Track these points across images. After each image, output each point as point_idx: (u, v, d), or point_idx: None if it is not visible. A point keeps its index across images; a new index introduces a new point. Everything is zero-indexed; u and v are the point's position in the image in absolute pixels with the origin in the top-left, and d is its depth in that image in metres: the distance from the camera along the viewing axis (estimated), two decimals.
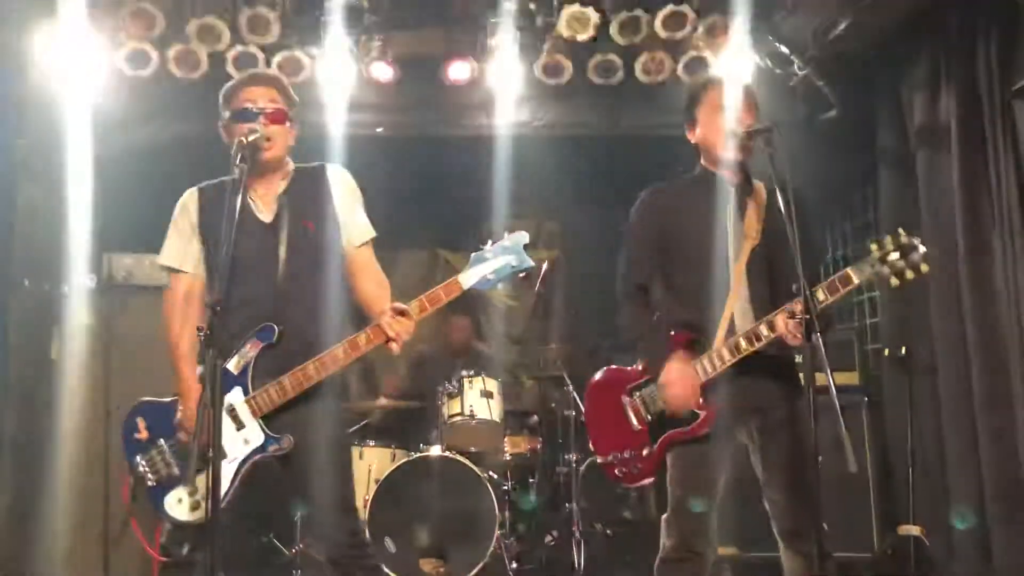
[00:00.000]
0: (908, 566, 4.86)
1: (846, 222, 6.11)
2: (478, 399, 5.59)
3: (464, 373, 5.68)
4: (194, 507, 2.96)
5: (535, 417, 6.37)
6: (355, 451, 5.32)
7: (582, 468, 5.77)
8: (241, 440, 3.01)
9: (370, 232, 3.29)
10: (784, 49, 5.08)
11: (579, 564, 5.38)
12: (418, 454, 5.26)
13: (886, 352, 5.23)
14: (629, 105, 5.72)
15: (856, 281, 2.84)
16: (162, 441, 3.10)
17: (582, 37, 5.09)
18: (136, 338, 5.16)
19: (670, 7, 4.96)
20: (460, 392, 5.60)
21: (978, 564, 4.55)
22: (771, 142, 2.89)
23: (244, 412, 3.03)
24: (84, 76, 5.07)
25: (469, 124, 5.89)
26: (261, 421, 3.03)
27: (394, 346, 2.96)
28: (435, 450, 5.29)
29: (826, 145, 5.48)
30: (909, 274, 2.82)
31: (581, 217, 7.35)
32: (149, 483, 3.07)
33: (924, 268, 2.81)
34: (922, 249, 2.81)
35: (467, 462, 5.20)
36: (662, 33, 5.05)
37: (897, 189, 5.30)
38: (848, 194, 6.01)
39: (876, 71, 5.34)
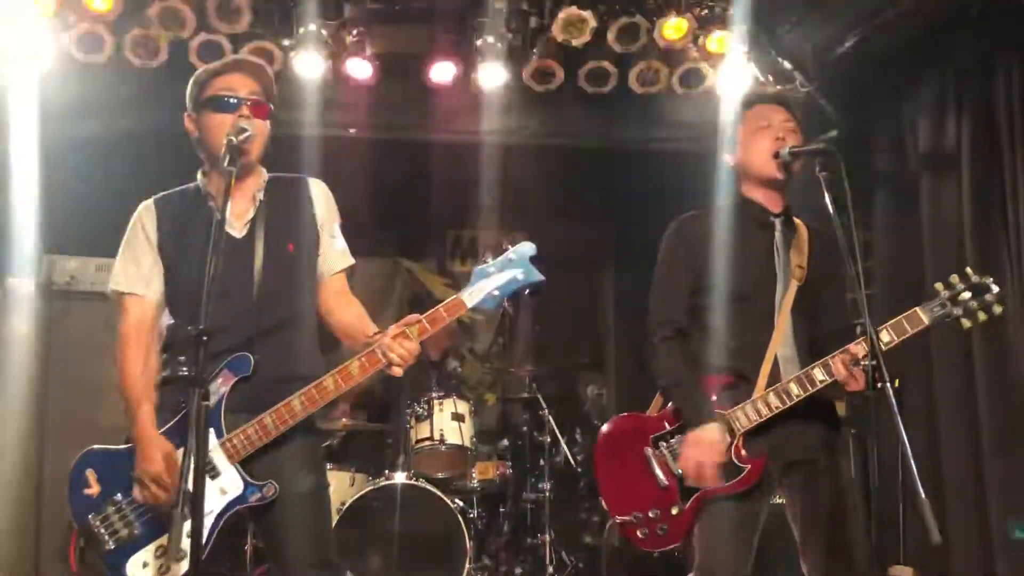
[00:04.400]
0: None
1: None
2: (448, 422, 5.26)
3: (434, 394, 5.32)
4: (161, 571, 2.57)
5: (505, 441, 6.03)
6: None
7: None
8: (217, 490, 2.59)
9: (349, 260, 2.93)
10: (787, 64, 4.85)
11: None
12: (384, 480, 4.85)
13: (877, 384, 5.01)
14: (620, 116, 5.43)
15: (926, 322, 2.59)
16: (119, 496, 2.65)
17: (577, 42, 4.78)
18: (76, 347, 4.83)
19: (671, 15, 4.67)
20: (429, 414, 5.24)
21: None
22: (827, 165, 2.60)
23: (219, 457, 2.61)
24: (30, 59, 4.65)
25: (448, 129, 5.56)
26: (239, 466, 2.62)
27: (397, 370, 2.59)
28: (399, 477, 4.88)
29: None
30: (982, 316, 2.60)
31: (553, 230, 7.00)
32: (107, 547, 2.62)
33: (998, 309, 2.60)
34: (995, 289, 2.60)
35: (436, 491, 4.83)
36: (661, 42, 4.77)
37: (894, 212, 5.12)
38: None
39: (877, 91, 5.15)
